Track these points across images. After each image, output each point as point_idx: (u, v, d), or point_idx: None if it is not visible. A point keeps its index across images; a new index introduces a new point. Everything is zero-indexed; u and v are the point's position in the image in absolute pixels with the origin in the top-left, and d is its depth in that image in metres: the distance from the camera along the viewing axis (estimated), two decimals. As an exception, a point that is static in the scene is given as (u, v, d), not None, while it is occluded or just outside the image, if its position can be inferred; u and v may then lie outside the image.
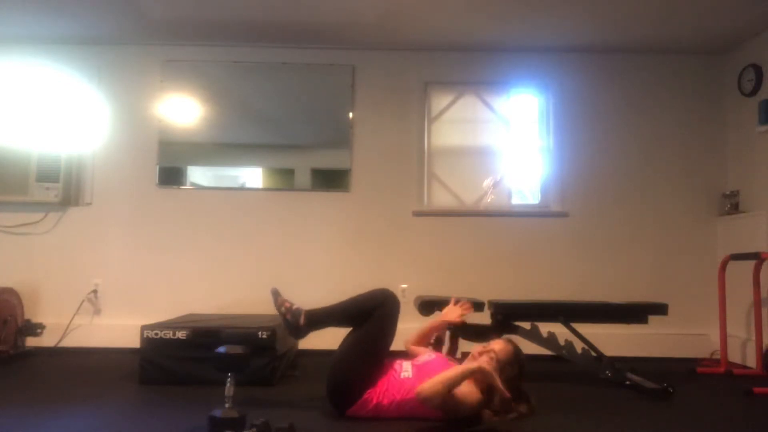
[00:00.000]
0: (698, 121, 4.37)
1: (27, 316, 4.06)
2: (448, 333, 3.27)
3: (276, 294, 2.61)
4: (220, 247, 4.28)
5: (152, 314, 3.76)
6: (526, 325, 3.24)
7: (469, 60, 4.43)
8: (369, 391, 2.32)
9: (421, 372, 2.35)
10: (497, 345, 2.37)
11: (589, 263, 4.26)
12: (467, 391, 2.23)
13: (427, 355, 2.54)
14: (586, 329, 3.22)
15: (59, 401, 2.61)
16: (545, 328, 3.25)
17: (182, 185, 4.38)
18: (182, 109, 4.40)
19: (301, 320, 2.49)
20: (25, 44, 4.31)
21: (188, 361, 3.04)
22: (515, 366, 2.32)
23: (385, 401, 2.30)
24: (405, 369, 2.40)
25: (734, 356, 3.86)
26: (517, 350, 2.38)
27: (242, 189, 4.45)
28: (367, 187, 4.35)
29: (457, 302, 2.91)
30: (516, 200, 4.50)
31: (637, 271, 4.24)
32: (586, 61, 4.41)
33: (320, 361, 2.71)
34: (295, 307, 2.53)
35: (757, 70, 3.97)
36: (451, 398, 2.15)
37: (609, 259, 4.26)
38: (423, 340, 2.85)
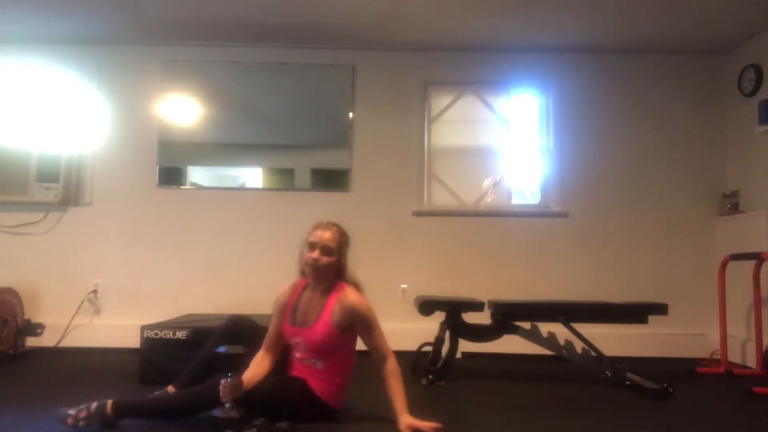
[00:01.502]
0: (698, 121, 4.37)
1: (27, 316, 4.06)
2: (448, 333, 3.27)
3: (63, 417, 2.10)
4: (220, 247, 4.27)
5: (152, 314, 3.75)
6: (526, 325, 3.24)
7: (469, 60, 4.43)
8: (314, 389, 2.26)
9: (309, 348, 2.30)
10: (319, 236, 2.33)
11: (589, 263, 4.26)
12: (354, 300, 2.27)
13: (294, 337, 2.36)
14: (586, 329, 3.22)
15: (59, 401, 2.61)
16: (545, 328, 3.25)
17: (182, 185, 4.38)
18: (182, 109, 4.40)
19: (108, 410, 2.11)
20: (25, 44, 4.31)
21: (188, 361, 3.03)
22: (346, 237, 2.40)
23: (331, 380, 2.29)
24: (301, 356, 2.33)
25: (734, 356, 3.86)
26: (334, 225, 2.42)
27: (242, 189, 4.45)
28: (367, 187, 4.35)
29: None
30: (516, 200, 4.50)
31: (637, 271, 4.24)
32: (586, 61, 4.41)
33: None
34: (94, 406, 2.12)
35: (757, 70, 3.97)
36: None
37: (609, 259, 4.26)
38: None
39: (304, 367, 2.31)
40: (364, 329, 2.27)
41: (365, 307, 2.28)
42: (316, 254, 2.29)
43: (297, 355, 2.35)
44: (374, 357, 2.29)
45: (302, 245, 2.38)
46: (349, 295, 2.29)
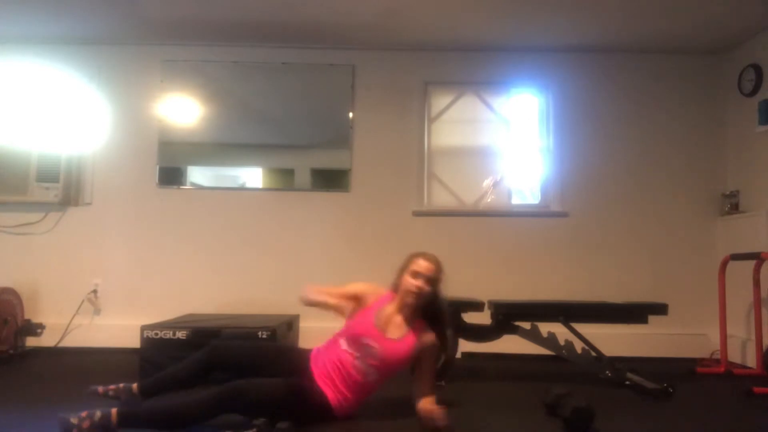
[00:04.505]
0: (698, 121, 4.37)
1: (27, 316, 4.06)
2: (448, 332, 3.27)
3: (65, 425, 2.05)
4: (220, 247, 4.27)
5: (152, 314, 3.75)
6: (526, 325, 3.24)
7: (469, 60, 4.43)
8: (332, 402, 2.25)
9: (383, 357, 2.34)
10: (425, 267, 2.42)
11: (589, 263, 4.26)
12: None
13: (369, 337, 2.38)
14: (586, 329, 3.22)
15: (59, 401, 2.61)
16: (545, 328, 3.25)
17: (182, 185, 4.38)
18: (182, 109, 4.40)
19: (113, 420, 2.07)
20: (25, 44, 4.30)
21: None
22: (443, 272, 2.49)
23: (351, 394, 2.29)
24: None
25: (734, 356, 3.86)
26: (435, 258, 2.48)
27: (242, 189, 4.45)
28: (367, 187, 4.34)
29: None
30: (516, 200, 4.49)
31: (637, 271, 4.24)
32: (586, 61, 4.41)
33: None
34: (98, 416, 2.07)
35: (757, 70, 3.97)
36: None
37: (609, 259, 4.26)
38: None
39: (345, 373, 2.30)
40: (427, 365, 2.42)
41: (436, 349, 2.45)
42: (420, 283, 2.38)
43: (355, 355, 2.31)
44: (418, 387, 2.39)
45: (401, 269, 2.46)
46: (430, 334, 2.43)
